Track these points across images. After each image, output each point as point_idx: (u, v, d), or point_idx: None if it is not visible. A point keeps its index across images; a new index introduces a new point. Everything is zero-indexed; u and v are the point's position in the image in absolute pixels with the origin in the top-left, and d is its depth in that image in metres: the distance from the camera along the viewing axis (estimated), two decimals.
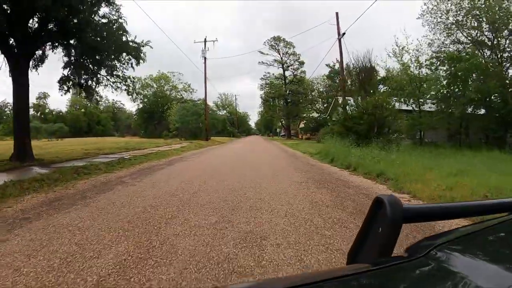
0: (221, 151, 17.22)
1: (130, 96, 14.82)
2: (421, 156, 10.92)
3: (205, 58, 27.41)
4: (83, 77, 10.36)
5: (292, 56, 45.62)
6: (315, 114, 42.92)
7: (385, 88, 15.49)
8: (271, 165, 9.05)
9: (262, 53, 45.96)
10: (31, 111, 57.81)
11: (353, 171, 7.96)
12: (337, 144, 12.37)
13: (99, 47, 9.80)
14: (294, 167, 8.64)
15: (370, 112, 11.84)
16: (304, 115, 45.72)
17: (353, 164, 8.45)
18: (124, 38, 11.03)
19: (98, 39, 10.07)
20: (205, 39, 27.88)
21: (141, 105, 45.80)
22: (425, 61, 15.51)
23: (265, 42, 45.78)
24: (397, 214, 0.50)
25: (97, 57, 10.18)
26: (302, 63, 45.36)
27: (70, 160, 11.03)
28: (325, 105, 44.35)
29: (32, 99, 58.25)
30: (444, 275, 0.45)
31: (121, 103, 72.67)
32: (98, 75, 10.86)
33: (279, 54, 45.82)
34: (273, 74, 46.89)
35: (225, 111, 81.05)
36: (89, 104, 64.73)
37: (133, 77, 13.93)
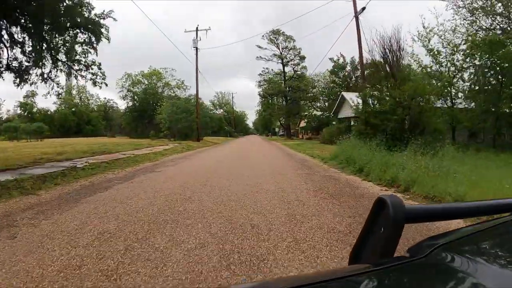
0: (210, 155, 14.26)
1: (99, 87, 11.97)
2: (480, 164, 8.07)
3: (196, 49, 24.32)
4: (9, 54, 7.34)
5: (292, 50, 42.54)
6: (317, 113, 40.05)
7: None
8: (275, 179, 6.15)
9: (260, 47, 42.87)
10: (18, 110, 54.82)
11: (407, 193, 5.07)
12: (359, 146, 9.50)
13: (28, 11, 6.82)
14: (313, 185, 5.70)
15: (405, 105, 8.93)
16: (306, 113, 42.82)
17: (403, 179, 5.55)
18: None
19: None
20: (196, 28, 24.87)
21: (130, 103, 42.67)
22: (460, 45, 12.58)
23: (263, 36, 42.67)
24: (399, 214, 0.49)
25: (30, 25, 7.20)
26: (303, 58, 42.29)
27: (1, 170, 8.09)
28: (326, 103, 41.59)
29: (19, 98, 55.17)
30: (446, 276, 0.44)
31: (113, 102, 69.42)
32: (38, 53, 7.87)
33: (279, 48, 42.78)
34: (272, 69, 43.80)
35: (222, 110, 78.25)
36: (80, 103, 61.90)
37: (99, 63, 11.11)
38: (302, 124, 48.94)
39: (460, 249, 0.51)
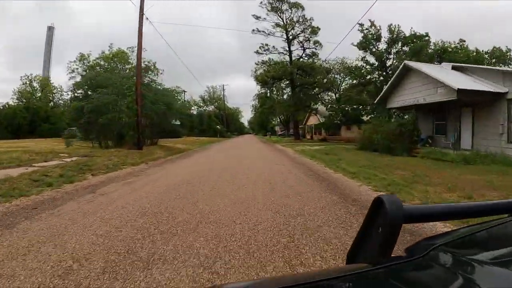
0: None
1: None
2: None
3: None
4: None
5: (299, 24, 31.27)
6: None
7: None
8: None
9: (257, 17, 31.51)
10: None
11: None
12: None
13: None
14: None
15: None
16: (317, 106, 31.82)
17: None
18: None
19: None
20: None
21: (80, 92, 30.91)
22: None
23: (261, 2, 31.37)
24: (397, 214, 0.48)
25: None
26: (315, 31, 31.03)
27: None
28: (340, 92, 30.66)
29: None
30: (443, 276, 0.44)
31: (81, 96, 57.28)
32: None
33: (282, 20, 31.50)
34: (273, 46, 32.44)
35: (213, 106, 67.58)
36: (38, 97, 49.58)
37: None
38: (312, 120, 37.93)
39: (458, 250, 0.51)
